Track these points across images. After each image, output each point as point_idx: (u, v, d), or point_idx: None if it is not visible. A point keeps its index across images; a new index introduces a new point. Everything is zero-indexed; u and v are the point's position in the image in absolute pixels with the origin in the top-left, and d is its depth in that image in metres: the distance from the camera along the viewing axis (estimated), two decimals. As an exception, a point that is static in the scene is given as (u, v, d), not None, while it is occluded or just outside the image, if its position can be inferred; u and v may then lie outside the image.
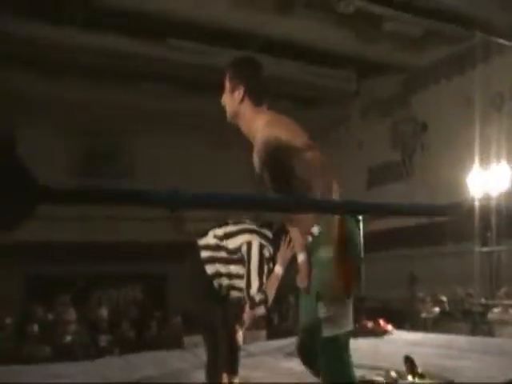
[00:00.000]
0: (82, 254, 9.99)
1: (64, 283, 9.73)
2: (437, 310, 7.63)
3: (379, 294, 8.95)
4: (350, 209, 1.72)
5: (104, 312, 7.57)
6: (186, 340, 6.29)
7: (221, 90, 2.57)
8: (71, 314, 6.49)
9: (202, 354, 5.93)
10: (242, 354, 3.45)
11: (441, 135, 9.62)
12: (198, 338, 7.73)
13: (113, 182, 11.19)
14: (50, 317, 6.94)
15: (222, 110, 2.58)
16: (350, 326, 2.24)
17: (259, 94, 2.50)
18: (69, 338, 6.18)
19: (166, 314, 8.56)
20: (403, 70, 10.52)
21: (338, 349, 2.19)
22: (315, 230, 2.28)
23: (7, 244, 9.27)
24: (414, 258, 9.25)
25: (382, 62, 10.29)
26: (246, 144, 2.56)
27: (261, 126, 2.36)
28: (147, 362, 5.26)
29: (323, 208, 1.71)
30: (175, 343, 6.47)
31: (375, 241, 8.58)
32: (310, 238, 2.30)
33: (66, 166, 11.16)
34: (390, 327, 6.42)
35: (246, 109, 2.46)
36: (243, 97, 2.46)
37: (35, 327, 6.30)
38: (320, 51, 9.82)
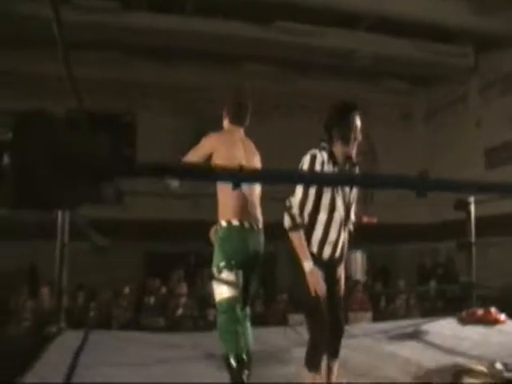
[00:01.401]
0: (193, 232, 10.33)
1: (178, 259, 10.12)
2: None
3: (494, 281, 8.49)
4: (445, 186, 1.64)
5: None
6: (291, 318, 6.34)
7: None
8: (183, 288, 6.80)
9: (304, 332, 6.05)
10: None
11: None
12: (302, 317, 7.93)
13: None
14: (164, 290, 7.27)
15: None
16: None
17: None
18: (180, 311, 6.45)
19: (274, 291, 8.65)
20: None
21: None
22: None
23: (130, 222, 10.02)
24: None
25: (501, 34, 9.62)
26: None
27: None
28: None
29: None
30: (280, 320, 6.54)
31: (491, 225, 8.13)
32: None
33: (176, 147, 11.59)
34: (502, 317, 6.06)
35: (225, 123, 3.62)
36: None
37: (152, 299, 6.73)
38: (435, 27, 9.40)
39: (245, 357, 3.20)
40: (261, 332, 5.73)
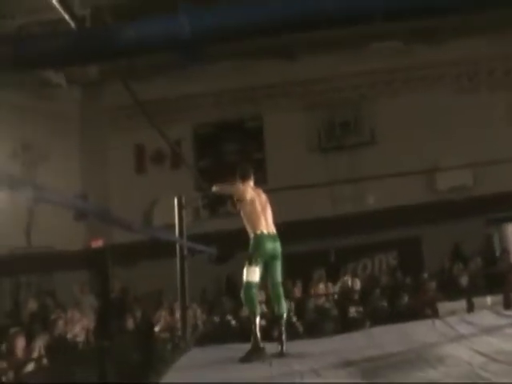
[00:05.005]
0: (334, 229, 10.14)
1: (319, 258, 9.99)
2: None
3: None
4: None
5: (357, 283, 7.48)
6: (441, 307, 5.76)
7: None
8: (323, 289, 6.53)
9: (456, 324, 5.37)
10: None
11: None
12: (454, 305, 7.21)
13: (355, 151, 11.02)
14: (299, 292, 7.07)
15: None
16: None
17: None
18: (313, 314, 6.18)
19: (421, 279, 8.12)
20: None
21: None
22: None
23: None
24: None
25: None
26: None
27: None
28: (392, 335, 4.87)
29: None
30: (428, 311, 6.00)
31: None
32: None
33: (307, 140, 11.36)
34: None
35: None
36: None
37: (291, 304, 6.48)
38: None
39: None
40: (405, 327, 5.21)
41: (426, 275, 8.34)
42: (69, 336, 5.89)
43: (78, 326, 6.08)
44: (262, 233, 4.49)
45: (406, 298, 7.22)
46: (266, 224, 4.56)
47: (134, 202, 10.53)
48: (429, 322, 5.38)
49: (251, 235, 4.53)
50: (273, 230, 4.59)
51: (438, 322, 5.19)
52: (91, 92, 11.59)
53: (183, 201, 5.81)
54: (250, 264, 4.41)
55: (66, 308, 7.82)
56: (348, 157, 10.98)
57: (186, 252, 5.54)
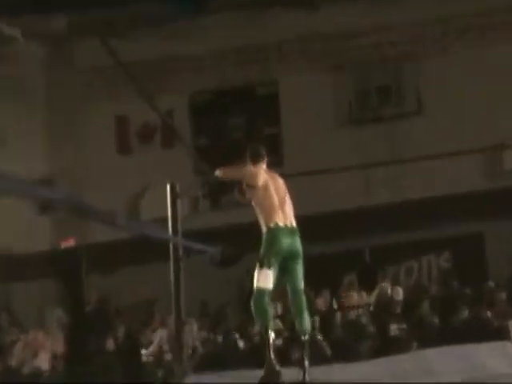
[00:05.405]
0: (368, 223, 10.08)
1: (349, 260, 10.00)
2: None
3: None
4: None
5: (399, 292, 7.48)
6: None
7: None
8: (355, 299, 6.56)
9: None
10: None
11: None
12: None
13: (396, 125, 10.93)
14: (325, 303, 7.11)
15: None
16: None
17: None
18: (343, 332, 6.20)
19: (485, 288, 8.07)
20: None
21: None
22: None
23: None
24: None
25: None
26: None
27: None
28: (449, 359, 4.86)
29: None
30: (498, 330, 6.03)
31: None
32: None
33: (334, 111, 11.30)
34: None
35: None
36: None
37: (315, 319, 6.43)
38: None
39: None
40: (465, 350, 5.19)
41: (491, 283, 8.24)
42: (28, 366, 5.89)
43: (43, 352, 6.04)
44: (278, 225, 4.45)
45: (464, 313, 7.15)
46: (284, 215, 4.52)
47: (116, 190, 10.56)
48: (497, 344, 5.42)
49: (264, 229, 4.50)
50: (291, 221, 4.55)
51: (510, 346, 5.25)
52: (59, 51, 11.57)
53: (178, 189, 5.82)
54: (262, 266, 4.37)
55: (26, 327, 7.84)
56: (387, 131, 10.89)
57: (181, 253, 5.57)
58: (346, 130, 11.15)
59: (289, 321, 4.95)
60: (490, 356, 4.91)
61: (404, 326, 6.83)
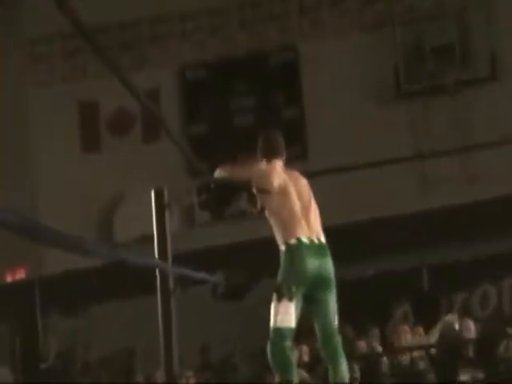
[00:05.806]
0: (426, 233, 10.08)
1: (400, 284, 10.04)
2: None
3: None
4: None
5: (470, 327, 7.51)
6: None
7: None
8: (408, 337, 6.55)
9: None
10: None
11: None
12: None
13: (462, 97, 10.94)
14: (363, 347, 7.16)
15: None
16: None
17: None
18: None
19: None
20: None
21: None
22: None
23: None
24: None
25: None
26: None
27: None
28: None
29: None
30: None
31: None
32: None
33: (375, 83, 11.32)
34: None
35: None
36: None
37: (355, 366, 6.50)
38: None
39: None
40: None
41: None
42: None
43: None
44: (301, 241, 4.43)
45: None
46: (308, 227, 4.52)
47: (81, 200, 10.67)
48: None
49: (282, 247, 4.49)
50: (319, 236, 4.53)
51: None
52: (4, 16, 11.68)
53: (165, 196, 5.84)
54: (281, 297, 4.33)
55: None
56: (450, 105, 10.98)
57: (172, 284, 5.57)
58: (392, 109, 11.23)
59: (319, 370, 4.94)
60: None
61: (480, 373, 6.88)
